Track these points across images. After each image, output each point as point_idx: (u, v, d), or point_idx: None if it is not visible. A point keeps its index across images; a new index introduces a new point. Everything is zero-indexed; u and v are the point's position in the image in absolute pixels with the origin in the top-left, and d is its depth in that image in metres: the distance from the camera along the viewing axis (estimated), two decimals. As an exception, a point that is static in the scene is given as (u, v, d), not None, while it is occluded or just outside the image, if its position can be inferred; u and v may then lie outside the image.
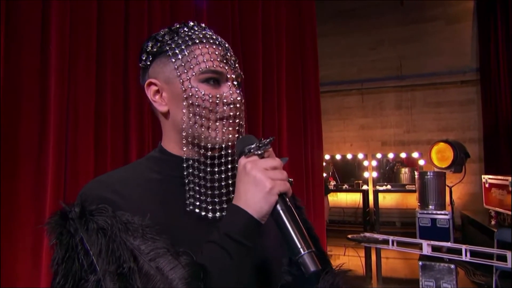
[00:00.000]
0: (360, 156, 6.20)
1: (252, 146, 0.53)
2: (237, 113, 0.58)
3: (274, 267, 0.59)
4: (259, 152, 0.52)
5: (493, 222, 3.95)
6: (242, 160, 0.53)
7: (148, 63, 0.60)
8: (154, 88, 0.60)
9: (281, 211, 0.50)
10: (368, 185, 6.09)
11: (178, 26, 0.60)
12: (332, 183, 6.24)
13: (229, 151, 0.58)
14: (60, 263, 0.46)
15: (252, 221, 0.49)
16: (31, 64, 1.23)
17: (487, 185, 4.13)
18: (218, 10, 1.99)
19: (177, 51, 0.57)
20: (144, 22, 1.59)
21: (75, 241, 0.47)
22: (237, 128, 0.59)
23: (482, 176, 4.32)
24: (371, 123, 6.17)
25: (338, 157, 6.32)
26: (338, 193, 6.29)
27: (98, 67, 1.42)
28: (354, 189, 6.07)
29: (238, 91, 0.60)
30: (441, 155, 3.76)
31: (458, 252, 2.66)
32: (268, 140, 0.53)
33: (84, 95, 1.37)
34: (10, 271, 1.13)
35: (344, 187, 6.17)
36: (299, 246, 0.47)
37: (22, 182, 1.19)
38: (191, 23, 0.61)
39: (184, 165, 0.58)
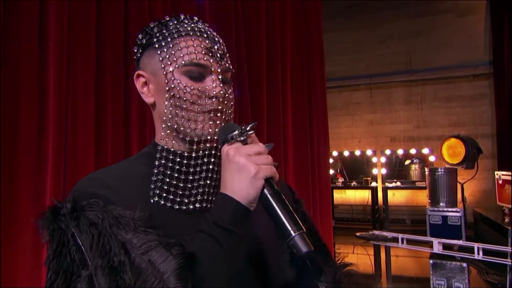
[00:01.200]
0: (369, 152, 6.11)
1: (234, 133, 0.52)
2: (220, 107, 0.58)
3: (268, 256, 0.60)
4: (242, 139, 0.52)
5: (506, 220, 3.85)
6: (225, 148, 0.52)
7: (139, 55, 0.62)
8: (142, 80, 0.61)
9: (268, 196, 0.49)
10: (377, 182, 6.01)
11: (168, 19, 0.61)
12: (340, 180, 6.17)
13: (214, 145, 0.58)
14: (52, 259, 0.46)
15: (240, 207, 0.49)
16: (30, 62, 1.22)
17: (500, 182, 4.02)
18: (221, 8, 1.96)
19: (163, 43, 0.58)
20: (145, 20, 1.57)
21: (67, 237, 0.47)
22: (220, 122, 0.58)
23: (495, 173, 4.21)
24: (380, 119, 6.07)
25: (346, 153, 6.24)
26: (347, 190, 6.23)
27: (97, 65, 1.40)
28: (363, 186, 6.00)
29: (221, 85, 0.58)
30: (452, 151, 3.67)
31: (470, 250, 2.59)
32: (250, 125, 0.53)
33: (84, 93, 1.35)
34: (10, 271, 1.13)
35: (352, 184, 6.10)
36: (289, 228, 0.47)
37: (21, 182, 1.19)
38: (182, 16, 0.61)
39: (157, 156, 0.58)
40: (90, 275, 0.44)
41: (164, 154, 0.58)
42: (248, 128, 0.52)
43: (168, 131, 0.59)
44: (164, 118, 0.58)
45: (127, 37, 1.52)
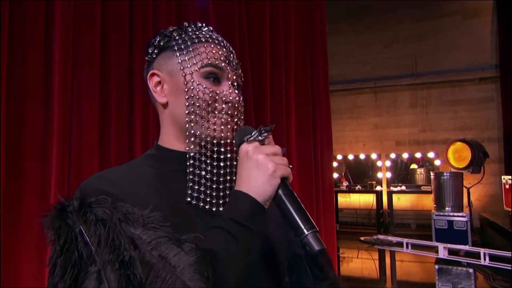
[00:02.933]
0: (374, 156, 6.07)
1: (254, 132, 0.54)
2: (235, 113, 0.61)
3: (278, 255, 0.61)
4: (261, 138, 0.54)
5: (514, 225, 3.79)
6: (244, 146, 0.54)
7: (154, 56, 0.63)
8: (156, 79, 0.62)
9: (283, 195, 0.51)
10: (382, 186, 5.96)
11: (187, 25, 0.64)
12: (345, 183, 6.14)
13: (228, 148, 0.60)
14: (59, 255, 0.46)
15: (256, 204, 0.50)
16: (35, 63, 1.24)
17: (507, 186, 3.97)
18: (224, 9, 1.97)
19: (182, 47, 0.61)
20: (149, 22, 1.58)
21: (74, 233, 0.46)
22: (235, 127, 0.61)
23: (502, 177, 4.16)
24: (385, 122, 6.04)
25: (350, 157, 6.21)
26: (351, 194, 6.18)
27: (102, 66, 1.41)
28: (368, 190, 5.95)
29: (237, 92, 0.62)
30: (458, 155, 3.63)
31: (477, 255, 2.55)
32: (268, 127, 0.55)
33: (88, 94, 1.36)
34: (15, 271, 1.14)
35: (357, 188, 6.06)
36: (303, 227, 0.48)
37: (26, 183, 1.20)
38: (199, 24, 0.64)
39: (188, 163, 0.59)
40: (98, 270, 0.44)
41: (192, 155, 0.59)
42: (267, 129, 0.55)
43: (179, 133, 0.61)
44: (177, 119, 0.60)
45: (131, 38, 1.53)
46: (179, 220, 0.53)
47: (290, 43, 2.43)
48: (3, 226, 1.11)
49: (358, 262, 4.44)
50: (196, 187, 0.57)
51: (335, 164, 6.16)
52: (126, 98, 1.50)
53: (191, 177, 0.57)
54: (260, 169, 0.51)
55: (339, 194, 6.06)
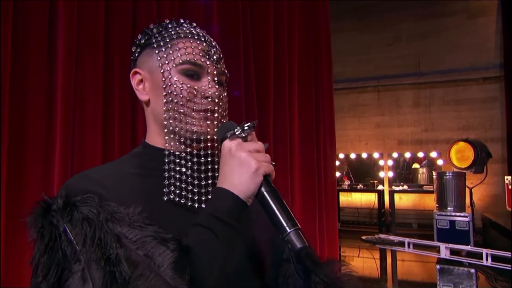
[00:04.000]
0: (376, 155, 6.06)
1: (237, 128, 0.54)
2: (215, 108, 0.60)
3: (263, 255, 0.61)
4: (243, 135, 0.54)
5: (516, 225, 3.77)
6: (227, 143, 0.53)
7: (137, 54, 0.64)
8: (138, 77, 0.63)
9: (265, 192, 0.51)
10: (383, 185, 5.95)
11: (168, 22, 0.63)
12: (347, 182, 6.13)
13: (209, 144, 0.59)
14: (43, 254, 0.46)
15: (238, 201, 0.50)
16: (38, 62, 1.24)
17: (510, 187, 3.96)
18: (228, 9, 1.96)
19: (161, 43, 0.60)
20: (153, 21, 1.57)
21: (58, 232, 0.46)
22: (215, 122, 0.60)
23: (505, 177, 4.14)
24: (387, 121, 6.02)
25: (353, 156, 6.20)
26: (353, 193, 6.18)
27: (105, 65, 1.41)
28: (369, 189, 5.94)
29: (217, 87, 0.60)
30: (461, 155, 3.62)
31: (479, 256, 2.55)
32: (251, 123, 0.54)
33: (92, 93, 1.36)
34: (16, 271, 1.14)
35: (358, 187, 6.04)
36: (285, 225, 0.48)
37: (29, 180, 1.20)
38: (181, 21, 0.64)
39: (166, 160, 0.58)
40: (82, 269, 0.44)
41: (172, 158, 0.58)
42: (250, 126, 0.54)
43: (160, 130, 0.60)
44: (158, 116, 0.60)
45: (135, 37, 1.52)
46: (161, 218, 0.52)
47: (294, 42, 2.43)
48: (5, 225, 1.11)
49: (359, 261, 4.44)
50: (178, 184, 0.57)
51: (337, 163, 6.14)
52: (129, 95, 1.50)
53: (169, 174, 0.57)
54: (243, 167, 0.50)
55: (340, 193, 6.05)
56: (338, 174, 6.10)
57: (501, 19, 5.25)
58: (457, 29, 5.50)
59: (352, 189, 6.08)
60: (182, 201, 0.56)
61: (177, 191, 0.56)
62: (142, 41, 0.63)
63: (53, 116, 1.26)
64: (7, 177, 1.13)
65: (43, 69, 1.25)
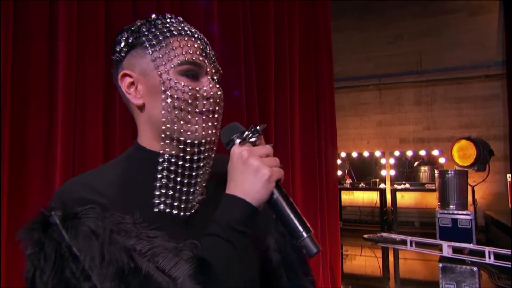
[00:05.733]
0: (378, 153, 6.05)
1: (247, 133, 0.52)
2: (216, 108, 0.57)
3: (256, 256, 0.60)
4: (253, 140, 0.52)
5: (519, 223, 3.76)
6: (237, 149, 0.52)
7: (123, 54, 0.58)
8: (129, 80, 0.57)
9: (278, 198, 0.51)
10: (385, 184, 5.95)
11: (154, 17, 0.58)
12: (348, 181, 6.13)
13: (207, 147, 0.56)
14: (49, 273, 0.43)
15: (252, 209, 0.50)
16: (39, 61, 1.24)
17: (513, 184, 3.94)
18: (229, 7, 1.96)
19: (154, 42, 0.55)
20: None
21: (61, 248, 0.43)
22: (215, 123, 0.57)
23: (508, 175, 4.13)
24: (389, 120, 6.01)
25: (354, 154, 6.19)
26: (355, 192, 6.17)
27: (106, 64, 1.41)
28: (371, 187, 5.94)
29: (217, 86, 0.58)
30: (463, 153, 3.61)
31: (481, 254, 2.54)
32: (260, 127, 0.53)
33: (92, 92, 1.36)
34: (18, 271, 1.14)
35: (360, 185, 6.04)
36: (301, 230, 0.49)
37: (30, 181, 1.20)
38: (168, 16, 0.59)
39: (160, 160, 0.54)
40: (94, 286, 0.42)
41: (166, 158, 0.55)
42: (259, 129, 0.53)
43: (156, 135, 0.56)
44: (155, 121, 0.55)
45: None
46: (170, 227, 0.50)
47: (295, 41, 2.42)
48: (6, 226, 1.12)
49: (361, 260, 4.44)
50: (166, 191, 0.53)
51: (338, 161, 6.14)
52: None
53: (164, 181, 0.53)
54: (257, 175, 0.50)
55: (342, 192, 6.04)
56: (340, 172, 6.09)
57: (503, 16, 5.23)
58: (458, 27, 5.48)
59: (354, 187, 6.08)
60: (174, 212, 0.53)
61: (168, 200, 0.53)
62: (129, 40, 0.57)
63: (54, 117, 1.26)
64: (9, 178, 1.13)
65: (44, 70, 1.25)
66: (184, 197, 0.54)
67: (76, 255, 0.43)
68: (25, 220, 1.13)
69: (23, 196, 1.17)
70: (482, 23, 5.40)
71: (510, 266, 2.42)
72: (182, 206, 0.54)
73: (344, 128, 6.05)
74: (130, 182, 0.55)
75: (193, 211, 0.55)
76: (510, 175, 4.06)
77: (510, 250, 2.46)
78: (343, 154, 6.17)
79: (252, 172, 0.50)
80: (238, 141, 0.53)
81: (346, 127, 6.12)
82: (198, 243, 0.48)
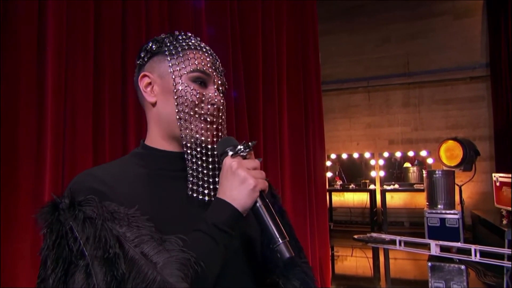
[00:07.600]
0: (367, 155, 6.12)
1: (239, 147, 0.60)
2: (219, 114, 0.66)
3: (257, 253, 0.67)
4: (244, 154, 0.60)
5: (504, 222, 3.85)
6: (228, 160, 0.60)
7: (146, 59, 0.69)
8: (147, 80, 0.67)
9: (260, 207, 0.58)
10: (375, 185, 6.01)
11: (177, 33, 0.70)
12: (339, 182, 6.17)
13: (209, 147, 0.65)
14: (51, 249, 0.50)
15: (237, 213, 0.57)
16: (28, 65, 1.23)
17: (498, 184, 4.03)
18: (217, 10, 1.97)
19: (173, 52, 0.66)
20: (142, 22, 1.58)
21: (65, 229, 0.50)
22: (215, 126, 0.66)
23: (493, 175, 4.22)
24: (378, 122, 6.09)
25: (344, 156, 6.25)
26: (345, 193, 6.22)
27: (95, 67, 1.41)
28: (361, 188, 5.99)
29: (221, 95, 0.68)
30: (450, 153, 3.68)
31: (468, 252, 2.59)
32: (251, 143, 0.61)
33: (82, 96, 1.36)
34: (10, 271, 1.13)
35: (350, 186, 6.09)
36: (277, 237, 0.55)
37: (21, 185, 1.19)
38: (189, 34, 0.71)
39: (186, 156, 0.64)
40: (87, 264, 0.48)
41: (190, 152, 0.63)
42: (250, 145, 0.61)
43: (163, 132, 0.66)
44: (163, 117, 0.65)
45: (124, 39, 1.52)
46: (167, 220, 0.58)
47: (282, 44, 2.45)
48: (0, 228, 1.11)
49: (352, 260, 4.47)
50: (196, 181, 0.63)
51: (329, 163, 6.19)
52: (119, 97, 1.49)
53: (190, 172, 0.63)
54: (243, 184, 0.57)
55: (333, 193, 6.09)
56: (330, 174, 6.14)
57: (486, 19, 5.37)
58: (444, 30, 5.60)
59: (344, 189, 6.13)
60: (200, 197, 0.62)
61: (196, 188, 0.63)
62: (153, 48, 0.68)
63: (43, 119, 1.25)
64: (0, 182, 1.12)
65: (33, 71, 1.24)
66: (209, 185, 0.63)
67: (76, 236, 0.50)
68: (18, 222, 1.12)
69: (15, 199, 1.16)
70: (467, 26, 5.53)
71: (496, 263, 2.47)
72: (207, 192, 0.63)
73: (334, 130, 6.11)
74: (136, 176, 0.63)
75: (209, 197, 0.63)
76: (496, 174, 4.15)
77: (495, 248, 2.51)
78: (333, 156, 6.22)
79: (239, 181, 0.57)
80: (230, 153, 0.60)
81: (336, 129, 6.18)
82: (184, 237, 0.54)
